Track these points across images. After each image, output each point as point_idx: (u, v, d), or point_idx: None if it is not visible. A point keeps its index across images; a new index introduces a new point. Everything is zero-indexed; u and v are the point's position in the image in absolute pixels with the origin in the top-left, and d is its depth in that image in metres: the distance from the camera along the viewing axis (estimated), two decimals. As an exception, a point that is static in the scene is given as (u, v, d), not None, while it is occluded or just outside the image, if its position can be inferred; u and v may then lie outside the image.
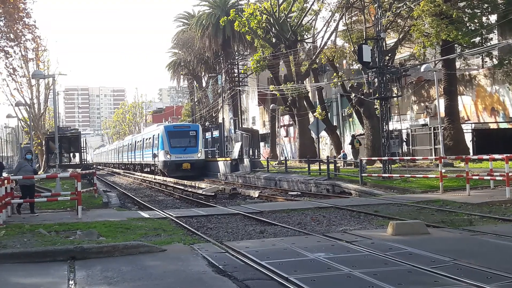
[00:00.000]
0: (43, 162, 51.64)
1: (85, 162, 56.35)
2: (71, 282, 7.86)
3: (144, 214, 16.12)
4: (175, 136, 42.57)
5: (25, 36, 33.40)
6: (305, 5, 40.95)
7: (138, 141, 55.64)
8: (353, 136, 36.24)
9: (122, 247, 9.84)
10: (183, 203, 22.83)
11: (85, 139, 66.98)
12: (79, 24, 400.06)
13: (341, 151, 38.61)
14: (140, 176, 46.24)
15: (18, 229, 12.87)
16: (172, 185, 32.89)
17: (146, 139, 49.97)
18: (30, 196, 16.37)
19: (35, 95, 54.44)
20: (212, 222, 14.62)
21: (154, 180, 39.57)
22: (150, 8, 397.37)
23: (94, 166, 74.29)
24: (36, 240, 11.15)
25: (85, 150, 60.15)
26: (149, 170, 48.62)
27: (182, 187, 30.37)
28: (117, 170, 68.09)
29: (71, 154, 55.73)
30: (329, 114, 44.22)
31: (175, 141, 42.13)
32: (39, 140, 54.06)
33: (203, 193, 25.07)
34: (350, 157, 35.92)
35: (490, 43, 32.30)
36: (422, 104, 40.11)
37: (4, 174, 19.45)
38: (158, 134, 43.76)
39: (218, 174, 41.61)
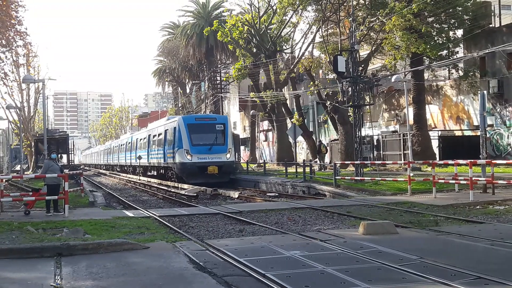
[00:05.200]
0: (32, 163, 51.01)
1: (73, 163, 55.78)
2: (57, 277, 7.75)
3: (129, 213, 15.98)
4: (197, 130, 31.40)
5: (17, 42, 33.07)
6: (284, 17, 41.12)
7: (141, 139, 44.23)
8: (320, 142, 36.99)
9: (107, 244, 9.75)
10: (166, 203, 22.65)
11: (73, 141, 66.24)
12: (69, 31, 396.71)
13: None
14: (125, 177, 45.41)
15: (7, 226, 12.70)
16: (156, 185, 32.63)
17: (155, 135, 38.77)
18: (54, 195, 15.73)
19: (25, 98, 53.81)
20: (193, 221, 14.53)
21: (139, 181, 38.54)
22: (137, 17, 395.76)
23: (82, 167, 73.49)
24: (24, 237, 11.01)
25: (72, 152, 59.41)
26: (156, 173, 38.63)
27: (165, 188, 30.15)
28: (103, 171, 66.98)
29: (59, 155, 55.08)
30: (305, 120, 44.38)
31: (197, 137, 31.02)
32: (29, 142, 53.44)
33: (186, 193, 24.91)
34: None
35: (456, 56, 32.79)
36: (392, 112, 40.47)
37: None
38: (174, 128, 32.42)
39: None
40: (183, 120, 32.09)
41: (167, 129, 34.51)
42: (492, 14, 32.97)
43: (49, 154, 17.52)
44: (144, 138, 42.70)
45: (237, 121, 64.89)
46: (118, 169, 57.76)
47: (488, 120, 28.30)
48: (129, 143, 50.33)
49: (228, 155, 31.28)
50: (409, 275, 7.23)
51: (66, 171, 18.30)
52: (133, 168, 47.66)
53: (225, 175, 30.92)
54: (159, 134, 36.93)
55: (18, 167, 54.77)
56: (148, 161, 40.29)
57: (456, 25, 32.29)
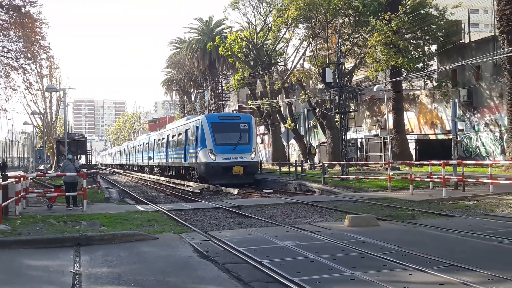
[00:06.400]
0: (54, 163, 50.93)
1: (90, 163, 55.64)
2: (76, 265, 7.74)
3: (140, 208, 15.95)
4: (221, 129, 27.50)
5: (41, 55, 32.83)
6: (278, 34, 41.14)
7: (159, 140, 40.13)
8: (310, 144, 37.06)
9: (120, 236, 9.74)
10: (173, 199, 22.61)
11: (91, 144, 66.03)
12: (88, 45, 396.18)
13: None
14: (138, 175, 45.24)
15: (32, 219, 12.66)
16: (164, 183, 32.52)
17: (174, 135, 34.49)
18: (73, 191, 15.73)
19: (48, 105, 53.71)
20: (198, 214, 14.50)
21: (149, 179, 38.29)
22: (148, 33, 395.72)
23: (98, 166, 73.25)
24: (47, 229, 10.99)
25: (90, 153, 59.24)
26: (174, 173, 34.71)
27: (173, 185, 30.05)
28: (118, 170, 66.57)
29: (78, 156, 54.95)
30: (297, 125, 44.36)
31: (221, 137, 27.21)
32: (51, 144, 53.33)
33: (191, 190, 24.85)
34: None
35: (431, 69, 32.86)
36: (374, 118, 40.51)
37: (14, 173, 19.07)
38: (197, 127, 28.55)
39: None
40: (207, 119, 28.04)
41: (188, 129, 30.58)
42: (463, 31, 33.08)
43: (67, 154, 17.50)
44: (162, 139, 38.98)
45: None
46: (135, 169, 54.72)
47: (459, 125, 28.34)
48: (146, 143, 46.54)
49: (252, 155, 27.56)
50: (389, 262, 7.24)
51: (84, 170, 18.27)
52: (150, 168, 43.69)
53: (250, 176, 27.38)
54: (179, 134, 32.86)
55: (41, 167, 54.67)
56: (166, 161, 36.54)
57: (430, 41, 32.44)
